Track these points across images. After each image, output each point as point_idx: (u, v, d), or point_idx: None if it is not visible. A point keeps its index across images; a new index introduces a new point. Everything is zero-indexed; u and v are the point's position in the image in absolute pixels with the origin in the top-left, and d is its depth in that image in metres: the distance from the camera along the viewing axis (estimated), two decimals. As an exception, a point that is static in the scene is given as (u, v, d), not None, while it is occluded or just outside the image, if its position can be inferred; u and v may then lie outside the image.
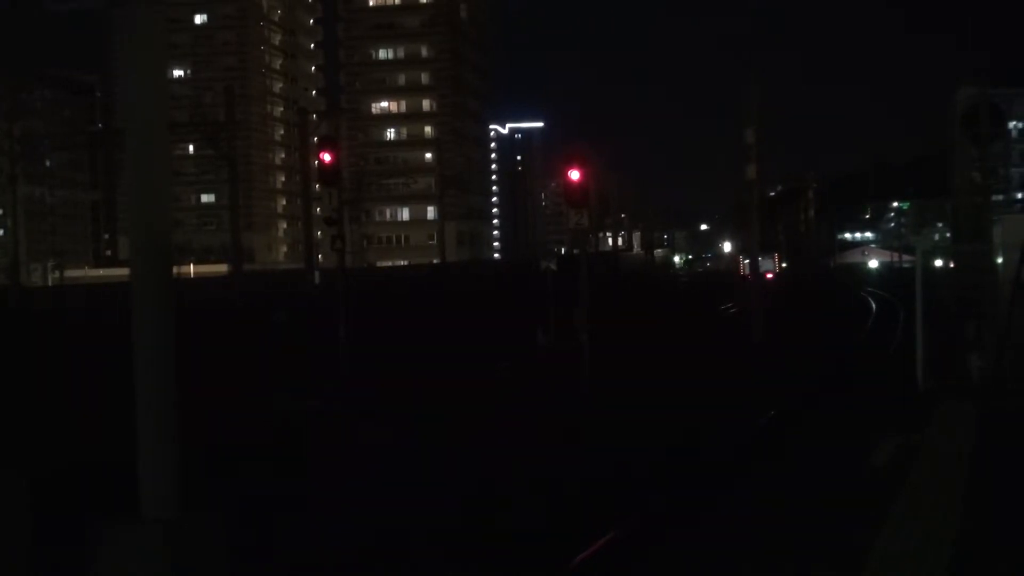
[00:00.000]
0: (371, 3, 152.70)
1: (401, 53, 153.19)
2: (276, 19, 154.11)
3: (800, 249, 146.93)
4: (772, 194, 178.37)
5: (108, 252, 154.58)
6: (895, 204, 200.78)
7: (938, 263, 28.94)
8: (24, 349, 33.37)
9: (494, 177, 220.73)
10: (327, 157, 29.78)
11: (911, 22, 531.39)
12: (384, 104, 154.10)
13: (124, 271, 57.11)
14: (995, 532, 10.87)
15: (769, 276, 77.60)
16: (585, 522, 13.79)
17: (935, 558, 9.90)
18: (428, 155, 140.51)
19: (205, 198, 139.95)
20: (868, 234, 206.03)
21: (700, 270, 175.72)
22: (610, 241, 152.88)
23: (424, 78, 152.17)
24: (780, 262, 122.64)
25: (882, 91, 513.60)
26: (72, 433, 20.12)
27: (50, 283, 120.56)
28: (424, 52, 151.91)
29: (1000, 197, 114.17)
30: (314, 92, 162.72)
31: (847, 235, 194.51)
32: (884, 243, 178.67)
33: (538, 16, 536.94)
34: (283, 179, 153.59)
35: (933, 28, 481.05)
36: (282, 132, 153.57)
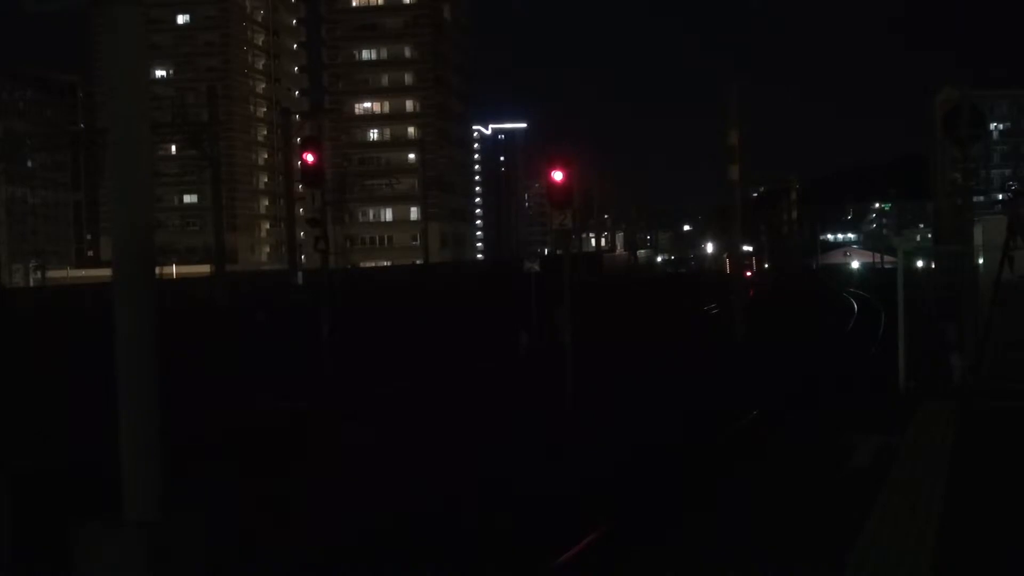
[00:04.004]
0: (354, 4, 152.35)
1: (384, 54, 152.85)
2: (259, 20, 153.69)
3: (783, 250, 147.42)
4: (755, 195, 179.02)
5: (90, 253, 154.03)
6: (877, 205, 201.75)
7: (920, 264, 29.06)
8: (7, 349, 33.20)
9: (477, 178, 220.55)
10: (310, 158, 29.72)
11: (893, 24, 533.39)
12: (367, 105, 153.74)
13: (106, 272, 56.77)
14: (975, 532, 10.94)
15: (748, 274, 78.00)
16: (563, 523, 13.84)
17: (916, 558, 9.95)
18: (411, 156, 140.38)
19: (188, 199, 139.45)
20: (850, 235, 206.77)
21: (683, 271, 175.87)
22: (593, 242, 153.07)
23: (407, 79, 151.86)
24: (763, 262, 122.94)
25: (864, 92, 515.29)
26: (56, 433, 20.06)
27: (32, 283, 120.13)
28: (407, 53, 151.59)
29: (981, 198, 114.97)
30: (297, 93, 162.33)
31: (829, 236, 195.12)
32: (866, 244, 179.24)
33: (524, 17, 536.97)
34: (266, 180, 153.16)
35: (915, 29, 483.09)
36: (265, 133, 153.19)
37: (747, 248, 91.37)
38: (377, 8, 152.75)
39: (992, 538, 10.74)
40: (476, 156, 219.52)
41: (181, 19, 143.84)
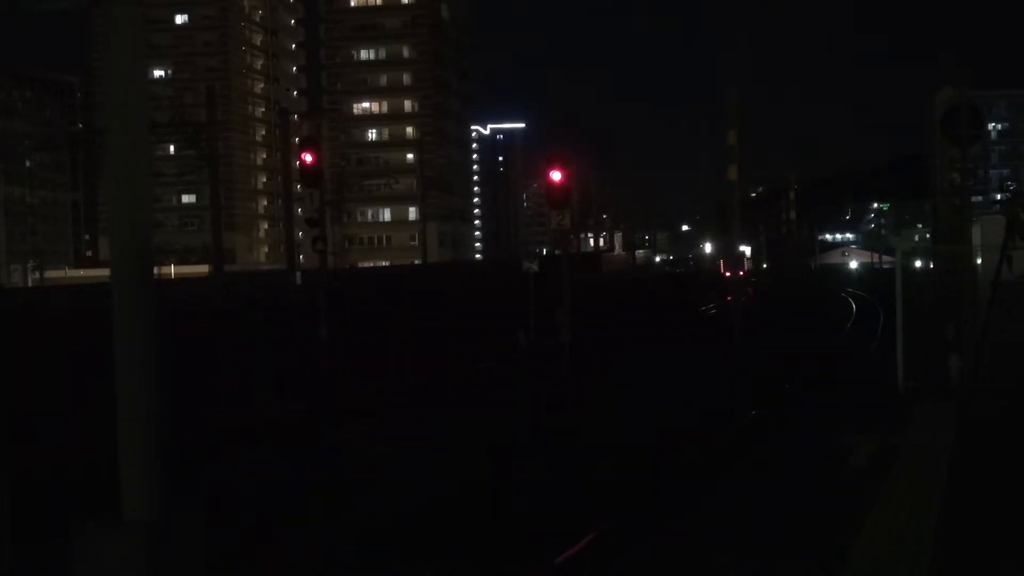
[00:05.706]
0: (353, 4, 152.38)
1: (383, 54, 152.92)
2: (257, 19, 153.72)
3: (781, 250, 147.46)
4: (754, 195, 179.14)
5: (89, 253, 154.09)
6: (875, 205, 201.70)
7: (918, 264, 29.07)
8: (7, 349, 33.13)
9: (476, 178, 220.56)
10: (308, 158, 29.73)
11: (891, 24, 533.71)
12: (366, 105, 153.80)
13: (105, 272, 56.63)
14: (974, 532, 10.95)
15: (741, 273, 78.15)
16: (554, 523, 13.83)
17: (916, 558, 9.96)
18: (410, 156, 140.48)
19: (186, 199, 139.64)
20: (848, 235, 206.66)
21: (680, 270, 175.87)
22: (592, 242, 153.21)
23: (406, 79, 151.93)
24: (761, 262, 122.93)
25: (862, 92, 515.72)
26: (56, 432, 20.04)
27: (30, 284, 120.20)
28: (406, 53, 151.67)
29: (979, 198, 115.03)
30: (296, 92, 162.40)
31: (827, 236, 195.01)
32: (864, 244, 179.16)
33: (523, 17, 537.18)
34: (264, 180, 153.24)
35: (912, 29, 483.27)
36: (263, 133, 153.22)
37: (744, 248, 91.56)
38: (376, 8, 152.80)
39: (991, 538, 10.74)
40: (475, 156, 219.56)
41: (180, 19, 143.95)
